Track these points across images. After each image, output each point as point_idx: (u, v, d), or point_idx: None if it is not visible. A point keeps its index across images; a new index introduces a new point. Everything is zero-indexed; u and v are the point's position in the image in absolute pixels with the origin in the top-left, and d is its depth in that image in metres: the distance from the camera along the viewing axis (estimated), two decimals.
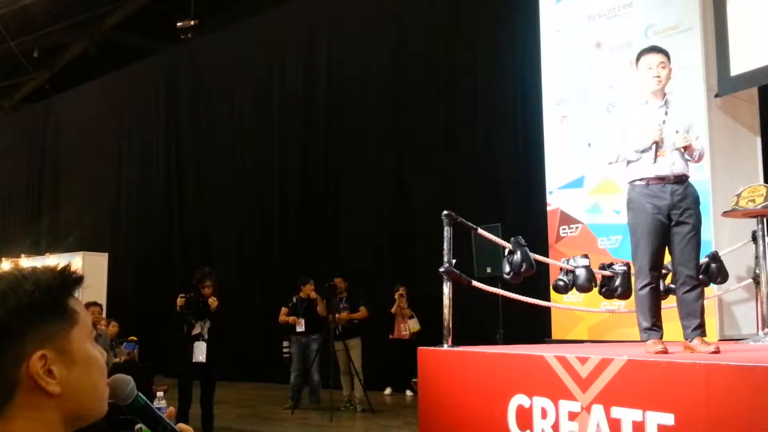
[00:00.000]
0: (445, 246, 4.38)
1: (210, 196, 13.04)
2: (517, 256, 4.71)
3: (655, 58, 3.92)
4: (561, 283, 5.28)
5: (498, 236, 5.43)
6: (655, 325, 3.81)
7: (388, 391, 9.63)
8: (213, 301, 6.57)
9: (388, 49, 10.72)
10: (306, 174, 11.68)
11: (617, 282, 5.12)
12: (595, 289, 5.25)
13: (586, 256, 5.23)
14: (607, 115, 7.00)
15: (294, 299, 8.76)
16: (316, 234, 11.31)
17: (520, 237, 4.86)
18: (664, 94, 3.96)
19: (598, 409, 3.22)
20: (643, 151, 3.82)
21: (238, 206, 12.60)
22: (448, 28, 10.06)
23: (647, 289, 3.82)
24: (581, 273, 5.10)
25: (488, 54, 9.57)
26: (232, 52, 12.87)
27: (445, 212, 4.46)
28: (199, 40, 13.42)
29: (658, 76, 3.88)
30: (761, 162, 6.48)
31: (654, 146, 3.77)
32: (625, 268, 5.14)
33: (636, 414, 3.05)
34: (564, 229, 7.11)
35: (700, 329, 3.72)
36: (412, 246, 9.99)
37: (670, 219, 3.79)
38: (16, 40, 13.86)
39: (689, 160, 3.89)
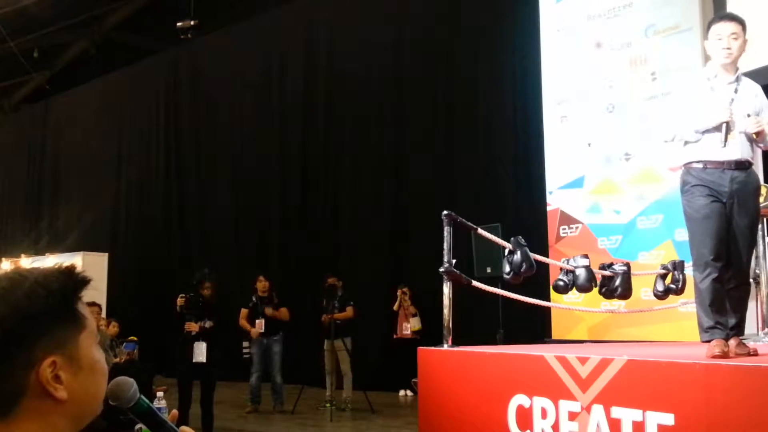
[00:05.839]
0: (445, 246, 4.37)
1: (210, 196, 13.03)
2: (517, 256, 4.70)
3: (727, 28, 3.48)
4: (561, 283, 5.27)
5: (498, 236, 5.42)
6: (719, 323, 3.33)
7: (401, 393, 9.41)
8: (192, 326, 6.57)
9: (388, 49, 10.71)
10: (306, 174, 11.68)
11: (617, 282, 5.11)
12: (595, 289, 5.24)
13: (586, 256, 5.22)
14: (607, 115, 7.00)
15: (254, 299, 8.68)
16: (316, 234, 11.31)
17: (520, 237, 4.85)
18: (737, 69, 3.54)
19: (598, 409, 3.22)
20: (704, 132, 3.37)
21: (238, 206, 12.60)
22: (448, 28, 10.05)
23: (709, 280, 3.32)
24: (581, 273, 5.09)
25: (488, 54, 9.56)
26: (232, 52, 12.87)
27: (445, 212, 4.45)
28: (199, 40, 13.41)
29: (728, 48, 3.45)
30: (761, 162, 6.46)
31: (724, 126, 3.30)
32: (624, 268, 5.14)
33: (636, 414, 3.04)
34: (564, 229, 7.12)
35: (738, 329, 3.43)
36: (412, 246, 9.99)
37: (725, 208, 3.38)
38: (16, 40, 13.84)
39: (760, 146, 3.54)
